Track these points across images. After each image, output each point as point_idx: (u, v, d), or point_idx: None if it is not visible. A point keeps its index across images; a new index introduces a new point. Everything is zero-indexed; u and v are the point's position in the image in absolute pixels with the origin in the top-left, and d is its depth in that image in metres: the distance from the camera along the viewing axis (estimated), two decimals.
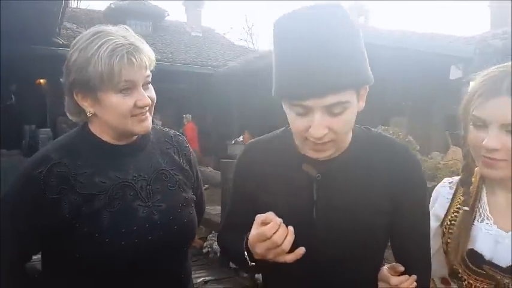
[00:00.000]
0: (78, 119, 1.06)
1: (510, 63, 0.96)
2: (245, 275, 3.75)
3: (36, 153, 1.06)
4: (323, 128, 0.84)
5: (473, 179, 1.04)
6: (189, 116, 10.21)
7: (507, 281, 0.93)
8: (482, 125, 0.92)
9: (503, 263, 0.94)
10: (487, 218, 0.99)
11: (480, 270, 0.96)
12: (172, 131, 1.20)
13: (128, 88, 0.98)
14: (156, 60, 1.05)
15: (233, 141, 10.18)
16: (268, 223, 0.86)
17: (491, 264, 0.95)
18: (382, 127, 5.36)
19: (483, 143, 0.91)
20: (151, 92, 1.03)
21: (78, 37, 1.02)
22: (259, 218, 0.88)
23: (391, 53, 6.44)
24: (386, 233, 0.98)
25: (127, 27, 1.02)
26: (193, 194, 1.15)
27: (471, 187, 1.03)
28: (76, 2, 14.69)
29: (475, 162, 1.00)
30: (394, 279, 0.94)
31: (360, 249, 0.95)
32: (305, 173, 0.96)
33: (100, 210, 0.98)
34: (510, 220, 0.97)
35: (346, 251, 0.94)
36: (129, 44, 0.97)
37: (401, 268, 0.94)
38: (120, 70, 0.95)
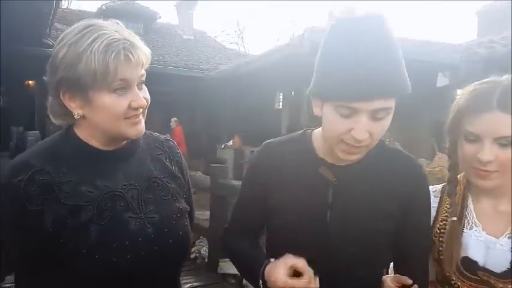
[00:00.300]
0: (63, 121, 0.96)
1: (493, 77, 1.00)
2: (233, 281, 3.77)
3: (15, 158, 0.94)
4: (365, 131, 0.87)
5: (457, 188, 1.08)
6: (176, 119, 10.18)
7: (501, 285, 0.97)
8: (475, 139, 0.97)
9: (497, 268, 0.98)
10: (475, 225, 1.04)
11: (475, 277, 1.00)
12: (162, 136, 1.12)
13: (123, 88, 0.89)
14: None
15: (223, 146, 10.15)
16: (297, 268, 0.89)
17: (485, 270, 0.99)
18: None
19: (479, 156, 0.95)
20: (146, 93, 0.95)
21: (66, 31, 0.91)
22: (289, 261, 0.90)
23: None
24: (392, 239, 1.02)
25: (118, 21, 0.93)
26: (186, 204, 1.07)
27: (456, 196, 1.07)
28: (67, 2, 14.59)
29: (466, 174, 1.05)
30: None
31: (369, 253, 0.98)
32: (321, 177, 0.99)
33: (87, 223, 0.89)
34: (497, 226, 1.02)
35: (356, 255, 0.97)
36: (125, 39, 0.88)
37: (409, 281, 0.97)
38: (116, 67, 0.86)
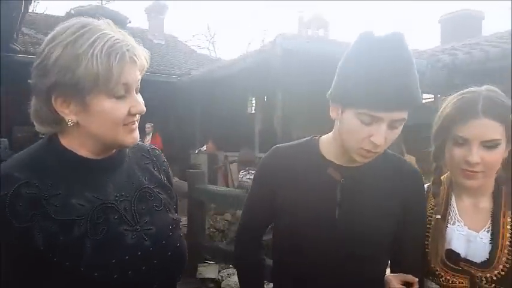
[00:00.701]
0: (51, 129, 0.88)
1: (474, 88, 1.12)
2: (211, 285, 3.81)
3: None
4: (383, 138, 0.95)
5: (441, 188, 1.19)
6: (152, 124, 10.05)
7: (480, 274, 1.08)
8: (464, 143, 1.08)
9: (477, 258, 1.09)
10: (458, 221, 1.15)
11: (457, 267, 1.10)
12: (147, 145, 1.08)
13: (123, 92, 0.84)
14: None
15: (197, 151, 10.12)
16: None
17: (466, 261, 1.10)
18: None
19: (468, 158, 1.06)
20: (141, 98, 0.90)
21: (57, 30, 0.84)
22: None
23: None
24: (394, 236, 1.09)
25: (109, 21, 0.87)
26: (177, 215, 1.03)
27: (440, 195, 1.18)
28: (32, 6, 14.15)
29: (453, 175, 1.16)
30: None
31: (374, 248, 1.06)
32: (329, 177, 1.06)
33: (82, 239, 0.83)
34: (477, 221, 1.13)
35: (363, 249, 1.04)
36: (126, 40, 0.83)
37: (415, 279, 1.04)
38: (121, 71, 0.81)
